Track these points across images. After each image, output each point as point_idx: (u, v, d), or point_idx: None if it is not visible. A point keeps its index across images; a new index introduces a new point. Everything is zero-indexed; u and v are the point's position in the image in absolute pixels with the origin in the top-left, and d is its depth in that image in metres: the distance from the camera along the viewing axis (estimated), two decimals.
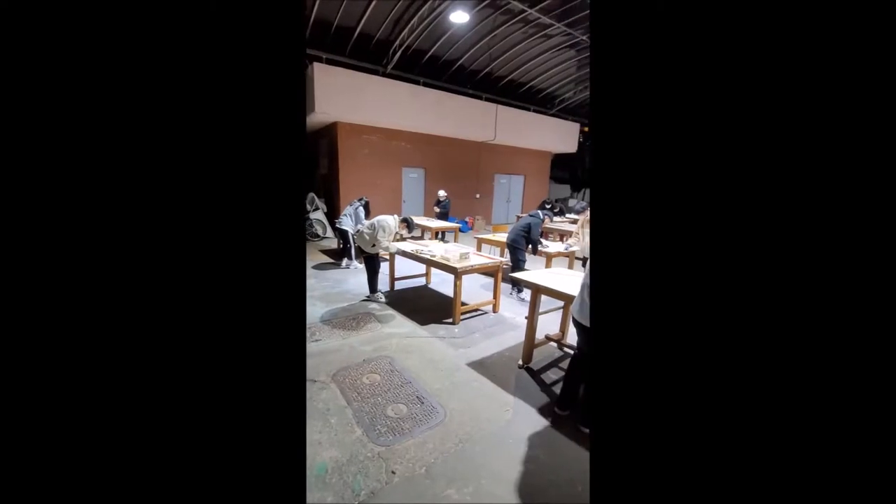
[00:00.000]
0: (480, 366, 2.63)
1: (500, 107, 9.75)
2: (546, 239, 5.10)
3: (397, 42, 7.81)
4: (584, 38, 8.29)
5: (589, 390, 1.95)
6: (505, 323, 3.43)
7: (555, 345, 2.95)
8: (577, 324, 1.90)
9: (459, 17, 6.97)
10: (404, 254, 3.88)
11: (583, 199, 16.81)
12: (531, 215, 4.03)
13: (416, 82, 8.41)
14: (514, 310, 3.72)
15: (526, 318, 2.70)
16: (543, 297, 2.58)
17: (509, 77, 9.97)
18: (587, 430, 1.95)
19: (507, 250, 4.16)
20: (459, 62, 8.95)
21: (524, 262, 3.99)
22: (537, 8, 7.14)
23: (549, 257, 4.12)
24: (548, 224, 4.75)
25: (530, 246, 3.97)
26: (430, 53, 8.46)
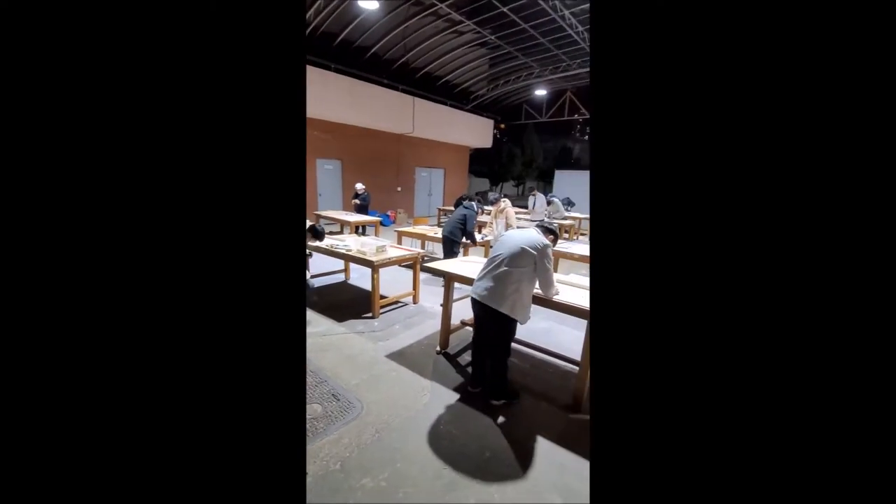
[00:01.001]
0: (400, 356, 2.67)
1: (417, 99, 9.76)
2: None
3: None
4: (492, 37, 8.72)
5: (493, 366, 2.12)
6: (425, 312, 3.52)
7: (470, 329, 3.13)
8: (476, 304, 2.04)
9: (369, 4, 6.76)
10: (318, 250, 3.70)
11: (500, 192, 17.85)
12: (466, 207, 4.14)
13: (328, 67, 7.95)
14: (433, 300, 3.83)
15: (441, 305, 2.81)
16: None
17: (425, 69, 10.02)
18: (496, 403, 2.13)
19: (443, 243, 4.23)
20: (373, 50, 8.70)
21: (459, 253, 4.11)
22: (447, 3, 7.27)
23: (467, 247, 4.31)
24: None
25: (465, 237, 4.10)
26: (340, 37, 8.05)
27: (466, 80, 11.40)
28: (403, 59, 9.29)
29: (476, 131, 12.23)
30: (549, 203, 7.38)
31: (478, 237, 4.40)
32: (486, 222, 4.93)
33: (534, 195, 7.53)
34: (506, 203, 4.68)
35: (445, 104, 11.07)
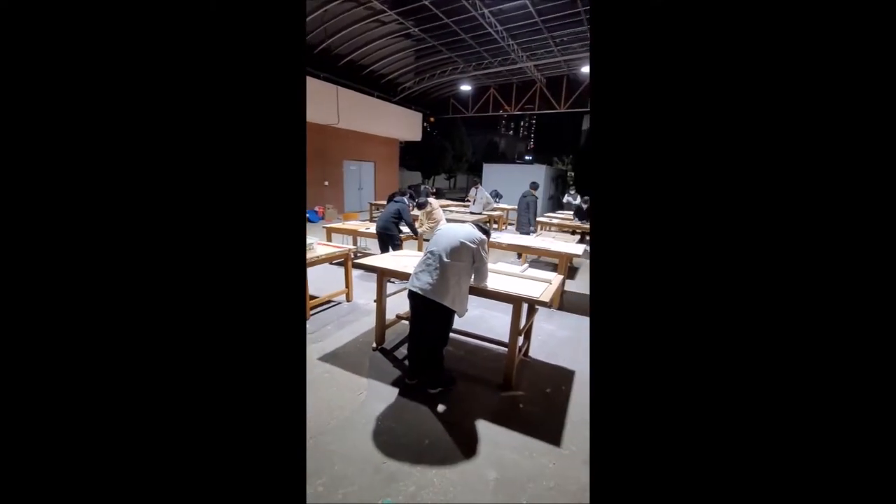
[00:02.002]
0: (334, 357, 2.58)
1: (341, 89, 9.31)
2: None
3: None
4: (415, 29, 8.66)
5: (431, 356, 2.18)
6: (359, 310, 3.44)
7: (406, 322, 3.14)
8: (412, 295, 2.07)
9: None
10: None
11: (433, 185, 17.98)
12: (396, 201, 4.08)
13: None
14: (368, 296, 3.76)
15: (375, 301, 2.78)
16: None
17: (349, 57, 9.59)
18: (433, 391, 2.19)
19: (378, 239, 4.12)
20: None
21: (400, 246, 4.04)
22: None
23: (401, 241, 4.29)
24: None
25: (408, 229, 4.05)
26: None
27: (393, 72, 11.19)
28: (325, 45, 8.76)
29: (405, 124, 12.11)
30: (485, 195, 7.69)
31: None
32: (416, 217, 4.95)
33: (476, 188, 7.78)
34: (432, 206, 4.76)
35: (372, 95, 10.75)
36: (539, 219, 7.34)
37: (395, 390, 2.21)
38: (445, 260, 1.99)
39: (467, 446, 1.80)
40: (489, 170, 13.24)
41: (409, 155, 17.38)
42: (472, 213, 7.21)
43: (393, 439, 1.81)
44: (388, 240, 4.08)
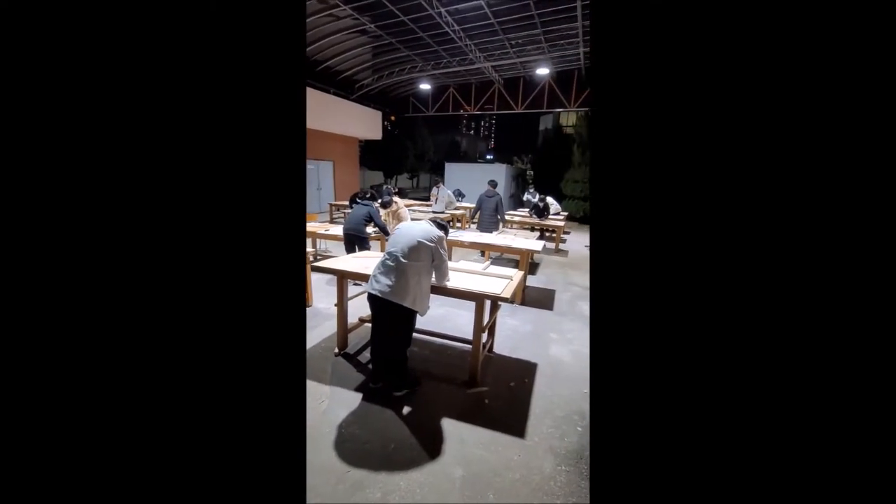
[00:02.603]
0: None
1: None
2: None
3: None
4: (371, 26, 8.50)
5: (395, 359, 2.14)
6: (320, 315, 3.32)
7: (370, 325, 3.07)
8: (372, 298, 2.03)
9: None
10: None
11: (395, 185, 17.78)
12: (365, 204, 4.04)
13: None
14: (329, 300, 3.63)
15: (336, 305, 2.69)
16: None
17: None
18: (399, 394, 2.16)
19: (345, 240, 4.02)
20: None
21: (368, 247, 3.96)
22: None
23: (369, 242, 4.19)
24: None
25: (381, 231, 4.01)
26: None
27: (350, 69, 10.89)
28: None
29: (364, 122, 11.84)
30: (448, 194, 7.71)
31: (370, 230, 4.34)
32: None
33: (438, 187, 7.76)
34: (398, 205, 4.72)
35: (329, 92, 10.40)
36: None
37: (359, 395, 2.15)
38: (404, 261, 1.95)
39: (433, 447, 1.79)
40: (451, 169, 13.32)
41: (370, 154, 17.04)
42: (434, 212, 7.21)
43: (357, 446, 1.76)
44: (358, 241, 4.00)
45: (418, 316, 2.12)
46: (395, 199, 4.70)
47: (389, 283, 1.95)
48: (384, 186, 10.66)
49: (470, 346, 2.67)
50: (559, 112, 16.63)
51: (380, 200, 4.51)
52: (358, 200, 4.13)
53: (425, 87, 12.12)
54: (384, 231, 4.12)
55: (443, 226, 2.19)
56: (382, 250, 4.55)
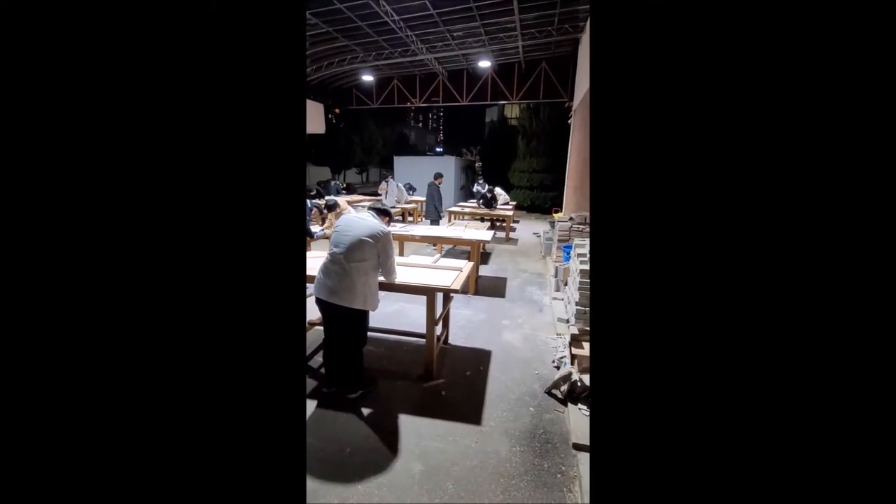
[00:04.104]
0: None
1: None
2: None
3: None
4: (306, 14, 8.01)
5: (349, 360, 2.08)
6: None
7: (320, 328, 2.95)
8: (320, 303, 1.94)
9: None
10: None
11: (343, 181, 17.15)
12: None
13: None
14: None
15: None
16: None
17: None
18: (353, 395, 2.10)
19: None
20: None
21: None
22: None
23: (308, 241, 4.00)
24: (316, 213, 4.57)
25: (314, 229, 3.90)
26: None
27: None
28: None
29: (307, 115, 11.22)
30: (396, 188, 7.59)
31: (317, 230, 4.15)
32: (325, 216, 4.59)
33: (387, 181, 7.61)
34: (341, 207, 4.40)
35: None
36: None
37: (312, 402, 2.07)
38: (348, 263, 1.87)
39: (391, 445, 1.78)
40: (400, 162, 13.13)
41: (316, 149, 16.21)
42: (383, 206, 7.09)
43: (311, 455, 1.69)
44: None
45: (370, 313, 2.07)
46: (339, 200, 4.46)
47: (335, 286, 1.87)
48: (332, 182, 10.23)
49: (424, 340, 2.68)
50: (503, 104, 17.05)
51: (325, 203, 4.28)
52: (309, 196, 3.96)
53: (368, 78, 11.74)
54: (307, 233, 3.98)
55: (385, 211, 2.10)
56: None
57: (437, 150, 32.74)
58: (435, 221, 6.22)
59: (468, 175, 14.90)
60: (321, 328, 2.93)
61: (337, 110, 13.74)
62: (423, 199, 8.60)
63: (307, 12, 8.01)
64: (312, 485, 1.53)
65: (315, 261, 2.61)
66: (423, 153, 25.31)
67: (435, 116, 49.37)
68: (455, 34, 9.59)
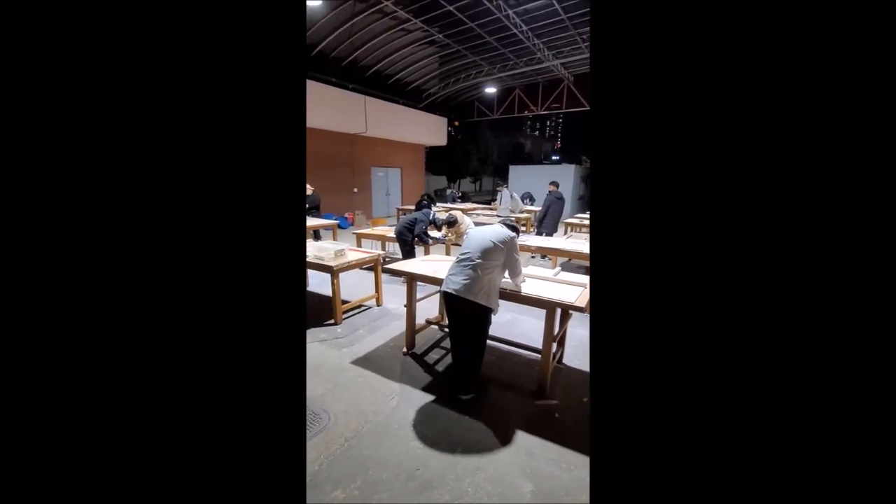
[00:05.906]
0: (366, 361, 2.61)
1: (368, 98, 9.55)
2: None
3: None
4: (440, 35, 8.74)
5: (468, 358, 2.16)
6: (389, 314, 3.47)
7: (435, 327, 3.14)
8: (451, 298, 2.07)
9: (310, 1, 6.50)
10: None
11: (458, 190, 18.01)
12: (423, 213, 4.32)
13: None
14: (397, 300, 3.80)
15: (405, 306, 2.79)
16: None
17: (375, 67, 9.83)
18: (465, 397, 2.16)
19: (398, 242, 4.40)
20: (319, 48, 8.38)
21: (413, 250, 4.24)
22: (392, 0, 7.18)
23: (427, 247, 4.32)
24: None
25: (415, 237, 4.24)
26: None
27: (418, 79, 11.34)
28: (352, 57, 9.04)
29: (430, 129, 12.22)
30: (510, 198, 7.59)
31: (436, 234, 4.42)
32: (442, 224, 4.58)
33: (500, 191, 7.68)
34: (463, 223, 4.10)
35: (398, 103, 10.95)
36: (569, 220, 7.12)
37: (427, 395, 2.20)
38: (476, 260, 2.02)
39: (501, 455, 1.75)
40: (515, 171, 13.06)
41: (435, 159, 17.52)
42: (498, 216, 7.13)
43: (426, 446, 1.80)
44: (401, 243, 4.31)
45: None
46: (458, 215, 4.10)
47: (463, 281, 2.02)
48: (447, 191, 10.86)
49: (536, 355, 2.58)
50: None
51: (447, 220, 4.08)
52: (421, 213, 4.39)
53: (490, 90, 12.10)
54: (419, 239, 4.23)
55: (513, 227, 2.20)
56: (448, 254, 4.63)
57: (554, 158, 31.48)
58: (549, 234, 5.97)
59: (588, 184, 13.88)
60: (435, 328, 3.13)
61: (456, 123, 14.56)
62: (538, 208, 8.35)
63: (441, 34, 8.69)
64: (427, 473, 1.62)
65: (440, 264, 2.79)
66: (539, 162, 24.69)
67: (553, 124, 47.71)
68: (585, 36, 9.08)
